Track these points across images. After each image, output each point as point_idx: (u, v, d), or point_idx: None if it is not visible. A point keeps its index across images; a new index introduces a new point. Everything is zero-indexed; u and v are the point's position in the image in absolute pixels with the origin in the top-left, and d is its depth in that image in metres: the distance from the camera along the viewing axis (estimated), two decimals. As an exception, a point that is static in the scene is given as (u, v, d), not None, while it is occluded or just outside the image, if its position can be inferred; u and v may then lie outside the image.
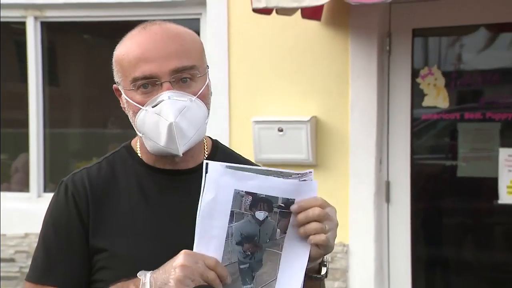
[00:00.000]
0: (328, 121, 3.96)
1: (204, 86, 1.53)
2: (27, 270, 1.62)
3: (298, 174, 1.38)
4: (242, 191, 1.34)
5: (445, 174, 4.31)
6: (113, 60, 1.56)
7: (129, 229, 1.51)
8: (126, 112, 1.57)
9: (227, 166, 1.34)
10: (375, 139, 3.92)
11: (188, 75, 1.50)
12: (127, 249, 1.50)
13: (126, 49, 1.53)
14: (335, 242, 1.46)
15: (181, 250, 1.50)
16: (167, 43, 1.50)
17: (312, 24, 3.90)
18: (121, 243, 1.50)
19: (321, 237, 1.38)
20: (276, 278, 1.41)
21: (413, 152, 4.02)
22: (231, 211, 1.35)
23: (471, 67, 4.14)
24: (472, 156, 4.04)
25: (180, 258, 1.37)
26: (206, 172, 1.34)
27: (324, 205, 1.40)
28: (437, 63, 4.09)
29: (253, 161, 1.75)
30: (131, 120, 1.55)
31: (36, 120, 4.71)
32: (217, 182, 1.33)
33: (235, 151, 1.72)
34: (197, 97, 1.50)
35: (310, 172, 1.40)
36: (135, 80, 1.49)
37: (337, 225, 1.43)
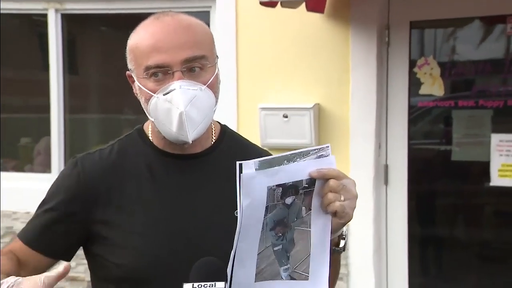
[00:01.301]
0: (330, 108, 3.96)
1: (213, 76, 1.51)
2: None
3: (315, 149, 1.36)
4: (274, 186, 1.32)
5: (440, 158, 4.31)
6: (127, 48, 1.55)
7: (135, 208, 1.51)
8: (138, 98, 1.56)
9: (258, 163, 1.30)
10: (374, 125, 3.92)
11: (198, 65, 1.49)
12: (133, 226, 1.49)
13: (140, 38, 1.51)
14: None
15: (184, 229, 1.49)
16: (179, 33, 1.48)
17: (315, 16, 3.89)
18: (127, 220, 1.50)
19: (335, 205, 1.36)
20: (310, 254, 1.39)
21: (410, 137, 4.02)
22: (266, 206, 1.32)
23: (465, 57, 4.12)
24: (465, 141, 4.04)
25: None
26: (240, 172, 1.28)
27: (340, 176, 1.38)
28: (433, 54, 4.08)
29: (259, 145, 1.75)
30: (143, 106, 1.54)
31: (57, 106, 4.73)
32: (252, 185, 1.29)
33: (243, 136, 1.71)
34: (206, 86, 1.49)
35: (327, 146, 1.38)
36: (147, 68, 1.48)
37: (355, 196, 1.41)
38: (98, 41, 5.45)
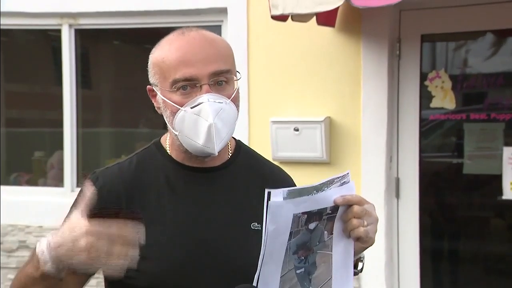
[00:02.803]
0: (341, 121, 3.95)
1: (236, 90, 1.54)
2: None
3: (338, 177, 1.39)
4: (299, 213, 1.34)
5: (452, 171, 4.28)
6: (150, 62, 1.56)
7: (156, 220, 1.51)
8: (161, 111, 1.56)
9: (287, 193, 1.31)
10: (385, 138, 3.90)
11: (224, 79, 1.51)
12: (154, 238, 1.49)
13: (165, 52, 1.52)
14: None
15: (203, 241, 1.49)
16: (205, 48, 1.50)
17: (326, 30, 3.89)
18: (147, 231, 1.50)
19: (359, 230, 1.40)
20: (332, 277, 1.42)
21: (421, 150, 3.99)
22: (290, 231, 1.34)
23: (476, 70, 4.10)
24: (477, 154, 4.01)
25: (83, 239, 1.24)
26: (268, 199, 1.29)
27: (362, 202, 1.42)
28: (444, 67, 4.07)
29: (270, 159, 1.75)
30: (167, 120, 1.54)
31: (70, 121, 4.74)
32: (279, 213, 1.31)
33: (256, 151, 1.72)
34: (230, 100, 1.52)
35: (347, 173, 1.42)
36: (175, 82, 1.49)
37: (377, 220, 1.45)
38: (111, 56, 5.48)
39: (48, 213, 4.50)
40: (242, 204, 1.54)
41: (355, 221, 1.40)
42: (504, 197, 3.83)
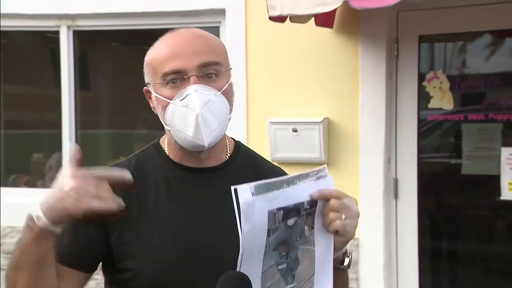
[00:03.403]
0: (340, 122, 3.95)
1: (227, 84, 1.54)
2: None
3: (314, 171, 1.37)
4: (274, 209, 1.31)
5: (450, 172, 4.28)
6: (144, 63, 1.58)
7: (154, 221, 1.52)
8: (155, 111, 1.57)
9: (255, 187, 1.28)
10: (383, 139, 3.90)
11: (213, 71, 1.52)
12: (152, 239, 1.50)
13: (156, 50, 1.55)
14: None
15: (201, 241, 1.50)
16: (195, 41, 1.52)
17: (324, 31, 3.90)
18: (146, 231, 1.51)
19: (336, 224, 1.38)
20: (314, 272, 1.40)
21: (419, 151, 3.99)
22: (268, 229, 1.32)
23: (474, 71, 4.10)
24: (475, 154, 4.01)
25: (70, 182, 1.33)
26: (237, 198, 1.26)
27: (340, 196, 1.39)
28: (442, 67, 4.07)
29: (268, 159, 1.75)
30: (160, 116, 1.55)
31: (69, 122, 4.74)
32: (251, 211, 1.28)
33: (257, 152, 1.72)
34: (221, 92, 1.51)
35: (324, 167, 1.40)
36: (164, 75, 1.51)
37: (357, 214, 1.41)
38: (109, 57, 5.47)
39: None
40: None
41: (332, 215, 1.37)
42: (503, 197, 3.84)
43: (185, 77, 1.50)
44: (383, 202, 3.92)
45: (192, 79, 1.49)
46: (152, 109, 1.59)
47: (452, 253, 4.42)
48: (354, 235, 1.42)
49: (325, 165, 1.41)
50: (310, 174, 1.37)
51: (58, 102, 4.75)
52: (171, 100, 1.50)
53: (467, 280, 4.29)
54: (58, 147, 4.82)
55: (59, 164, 4.86)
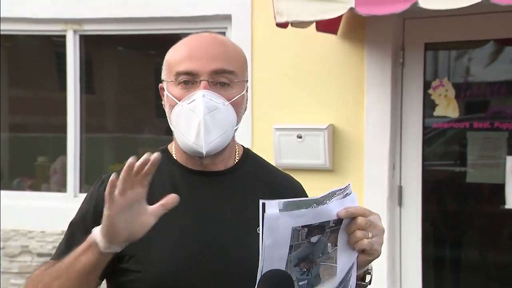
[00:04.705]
0: (344, 129, 3.95)
1: (239, 95, 1.53)
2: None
3: (341, 189, 1.36)
4: (299, 226, 1.29)
5: (455, 180, 4.27)
6: (164, 61, 1.58)
7: (159, 224, 1.48)
8: (165, 107, 1.57)
9: (283, 204, 1.27)
10: (388, 146, 3.89)
11: (226, 79, 1.51)
12: (157, 242, 1.49)
13: (176, 50, 1.56)
14: None
15: (205, 245, 1.49)
16: (213, 46, 1.52)
17: (329, 38, 3.89)
18: (153, 233, 1.47)
19: (363, 243, 1.35)
20: None
21: (424, 158, 3.98)
22: (290, 245, 1.30)
23: (479, 79, 4.10)
24: (480, 163, 4.00)
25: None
26: (263, 211, 1.25)
27: (366, 213, 1.38)
28: (448, 75, 4.06)
29: (273, 165, 1.74)
30: (167, 114, 1.55)
31: (74, 126, 4.75)
32: (276, 226, 1.27)
33: (264, 159, 1.71)
34: (230, 102, 1.50)
35: (349, 185, 1.38)
36: (177, 74, 1.51)
37: (382, 231, 1.41)
38: (115, 62, 5.49)
39: (51, 218, 4.50)
40: (247, 209, 1.51)
41: (359, 233, 1.35)
42: (507, 206, 3.82)
43: (196, 80, 1.49)
44: (387, 209, 3.90)
45: (203, 83, 1.49)
46: (163, 106, 1.59)
47: (455, 261, 4.40)
48: (381, 253, 1.41)
49: (350, 183, 1.39)
50: (337, 193, 1.35)
51: (63, 106, 4.76)
52: (179, 101, 1.50)
53: (471, 289, 4.28)
54: (63, 151, 4.82)
55: (63, 168, 4.86)
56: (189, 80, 1.50)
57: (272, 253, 1.28)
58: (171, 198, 1.34)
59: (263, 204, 1.25)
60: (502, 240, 4.34)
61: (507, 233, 4.31)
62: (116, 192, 1.30)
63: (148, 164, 1.30)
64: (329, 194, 1.33)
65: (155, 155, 1.31)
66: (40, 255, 4.56)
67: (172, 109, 1.51)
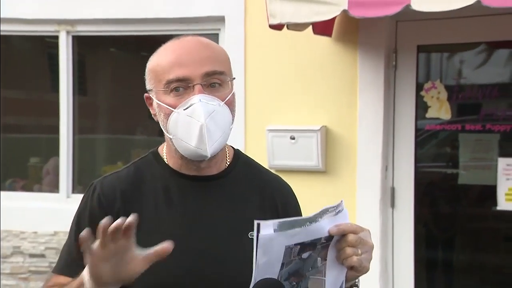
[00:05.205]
0: (337, 130, 3.95)
1: (231, 94, 1.53)
2: (55, 265, 1.63)
3: (333, 207, 1.36)
4: (292, 244, 1.31)
5: (447, 181, 4.28)
6: (147, 69, 1.57)
7: (153, 231, 1.50)
8: (157, 117, 1.56)
9: (278, 225, 1.27)
10: (381, 148, 3.90)
11: (217, 80, 1.51)
12: (151, 246, 1.47)
13: (160, 57, 1.54)
14: None
15: (200, 252, 1.48)
16: (200, 50, 1.51)
17: (323, 40, 3.90)
18: (145, 239, 1.47)
19: (353, 260, 1.37)
20: None
21: (417, 160, 3.99)
22: (282, 263, 1.32)
23: (471, 81, 4.11)
24: (472, 164, 4.01)
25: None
26: (258, 232, 1.26)
27: (357, 230, 1.38)
28: (440, 78, 4.07)
29: (267, 167, 1.75)
30: (161, 123, 1.54)
31: (66, 127, 4.74)
32: (270, 246, 1.28)
33: (255, 161, 1.71)
34: (224, 103, 1.51)
35: (341, 202, 1.39)
36: (168, 82, 1.49)
37: (372, 247, 1.41)
38: (108, 63, 5.48)
39: (43, 219, 4.48)
40: (240, 213, 1.52)
41: (349, 250, 1.37)
42: (499, 207, 3.83)
43: (189, 85, 1.49)
44: (380, 211, 3.91)
45: (197, 88, 1.48)
46: (153, 116, 1.58)
47: (448, 262, 4.41)
48: (369, 269, 1.42)
49: (342, 200, 1.40)
50: (329, 210, 1.36)
51: (56, 107, 4.75)
52: (174, 108, 1.49)
53: (463, 290, 4.29)
54: (56, 152, 4.81)
55: (56, 169, 4.85)
56: (180, 86, 1.49)
57: (265, 271, 1.29)
58: (166, 247, 1.32)
59: (258, 225, 1.25)
60: (494, 241, 4.35)
61: (499, 234, 4.32)
62: (95, 246, 1.30)
63: (127, 230, 1.30)
64: (321, 211, 1.34)
65: (130, 219, 1.30)
66: (32, 256, 4.54)
67: (168, 117, 1.50)
